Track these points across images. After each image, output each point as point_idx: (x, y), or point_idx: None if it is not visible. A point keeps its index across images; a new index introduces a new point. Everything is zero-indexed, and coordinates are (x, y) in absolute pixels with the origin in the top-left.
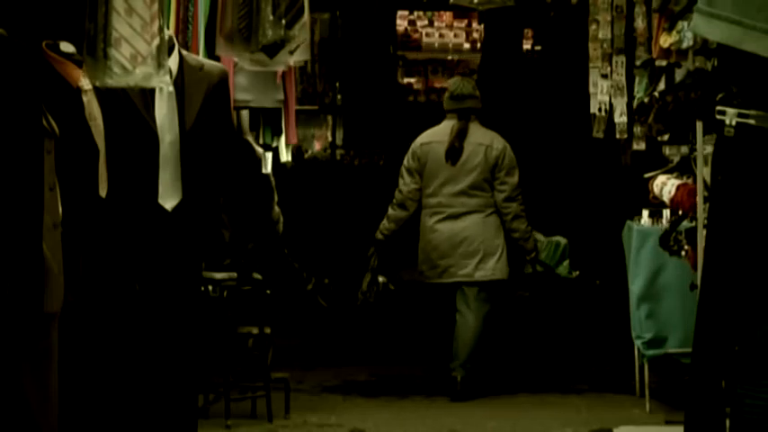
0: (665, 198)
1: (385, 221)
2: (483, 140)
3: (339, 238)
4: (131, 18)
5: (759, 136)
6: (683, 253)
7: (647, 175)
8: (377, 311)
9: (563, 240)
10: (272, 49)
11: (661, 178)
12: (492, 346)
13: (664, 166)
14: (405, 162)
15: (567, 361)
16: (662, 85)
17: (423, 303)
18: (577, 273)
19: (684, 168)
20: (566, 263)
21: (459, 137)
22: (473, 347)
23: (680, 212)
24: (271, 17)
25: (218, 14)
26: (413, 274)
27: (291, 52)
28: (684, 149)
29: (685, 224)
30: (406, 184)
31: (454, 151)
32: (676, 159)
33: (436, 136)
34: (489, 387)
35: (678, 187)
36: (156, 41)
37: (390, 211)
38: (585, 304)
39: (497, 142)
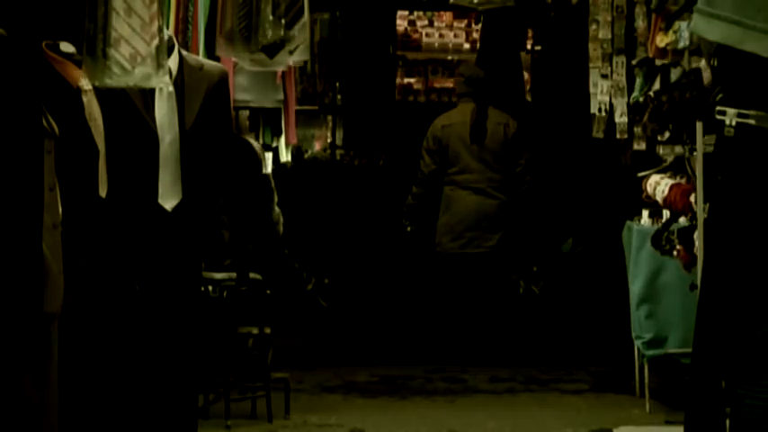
0: (658, 198)
1: (409, 198)
2: (501, 120)
3: (339, 238)
4: (131, 18)
5: (759, 136)
6: (675, 252)
7: (640, 174)
8: (376, 312)
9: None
10: (272, 50)
11: (654, 178)
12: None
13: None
14: (425, 144)
15: (567, 360)
16: (657, 85)
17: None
18: (580, 249)
19: (678, 168)
20: (570, 240)
21: (481, 118)
22: (491, 315)
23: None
24: (271, 17)
25: (218, 15)
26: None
27: (291, 52)
28: (678, 149)
29: (679, 223)
30: (427, 164)
31: (478, 132)
32: (670, 159)
33: (456, 118)
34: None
35: (671, 187)
36: (156, 42)
37: (414, 189)
38: (586, 303)
39: (512, 121)
